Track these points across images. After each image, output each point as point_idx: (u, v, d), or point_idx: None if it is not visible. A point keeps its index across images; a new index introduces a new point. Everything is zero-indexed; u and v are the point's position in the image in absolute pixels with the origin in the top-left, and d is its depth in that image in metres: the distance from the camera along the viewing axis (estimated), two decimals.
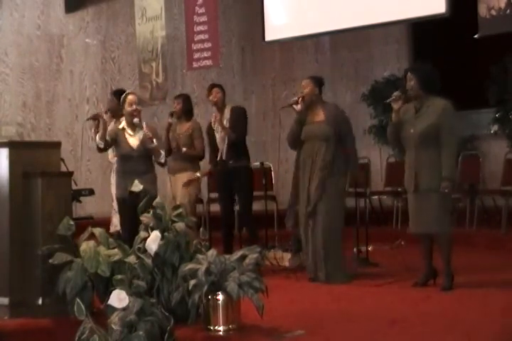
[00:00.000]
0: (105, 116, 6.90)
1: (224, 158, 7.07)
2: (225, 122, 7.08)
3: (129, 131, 6.24)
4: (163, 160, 6.29)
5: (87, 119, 7.19)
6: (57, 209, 5.09)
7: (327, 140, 6.14)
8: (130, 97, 6.27)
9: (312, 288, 5.96)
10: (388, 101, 5.78)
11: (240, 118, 7.13)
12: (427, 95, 5.65)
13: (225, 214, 7.20)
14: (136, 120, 6.22)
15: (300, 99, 6.22)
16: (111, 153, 6.88)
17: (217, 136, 7.13)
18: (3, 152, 5.08)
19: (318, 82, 6.36)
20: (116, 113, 6.93)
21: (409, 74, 5.72)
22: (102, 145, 6.27)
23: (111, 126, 6.99)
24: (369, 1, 9.39)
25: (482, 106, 9.51)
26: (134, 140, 6.21)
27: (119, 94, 7.02)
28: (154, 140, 6.12)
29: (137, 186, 5.74)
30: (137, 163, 6.12)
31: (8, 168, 5.05)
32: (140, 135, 6.18)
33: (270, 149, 11.53)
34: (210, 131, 7.21)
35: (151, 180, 6.11)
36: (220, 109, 7.17)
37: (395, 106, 5.72)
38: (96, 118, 7.02)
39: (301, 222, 6.26)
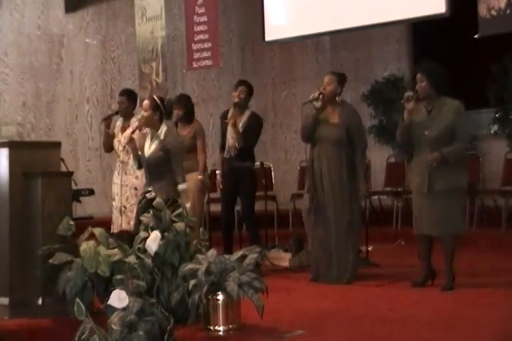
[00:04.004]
0: (117, 125, 6.92)
1: (231, 156, 7.03)
2: (240, 125, 6.98)
3: (148, 138, 5.97)
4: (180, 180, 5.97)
5: (102, 121, 7.16)
6: (57, 209, 5.09)
7: (339, 144, 6.11)
8: (144, 103, 5.99)
9: (312, 288, 5.96)
10: (402, 101, 5.72)
11: (254, 128, 7.02)
12: (438, 95, 5.64)
13: (226, 214, 7.18)
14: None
15: (321, 95, 6.12)
16: (122, 153, 6.86)
17: (229, 132, 6.98)
18: (3, 152, 5.07)
19: (342, 80, 6.29)
20: (126, 113, 6.93)
21: (419, 75, 5.68)
22: (137, 166, 6.12)
23: (118, 123, 7.01)
24: (369, 1, 9.38)
25: (482, 106, 9.50)
26: (147, 148, 5.95)
27: (129, 94, 7.04)
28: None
29: (150, 194, 5.78)
30: (148, 171, 5.93)
31: (8, 168, 5.05)
32: (154, 144, 5.90)
33: (270, 149, 11.54)
34: (224, 124, 7.08)
35: (163, 189, 5.77)
36: (240, 110, 7.03)
37: (408, 106, 5.68)
38: (108, 119, 7.04)
39: (321, 223, 6.19)
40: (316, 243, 6.22)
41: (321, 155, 6.18)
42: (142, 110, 5.94)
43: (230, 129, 6.95)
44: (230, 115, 6.98)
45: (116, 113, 7.06)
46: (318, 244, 6.20)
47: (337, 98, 6.21)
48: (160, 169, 5.86)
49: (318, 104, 6.12)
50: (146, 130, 6.01)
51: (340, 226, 6.07)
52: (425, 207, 5.67)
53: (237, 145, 6.94)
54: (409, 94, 5.68)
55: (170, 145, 5.83)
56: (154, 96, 6.08)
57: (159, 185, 5.80)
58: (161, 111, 5.88)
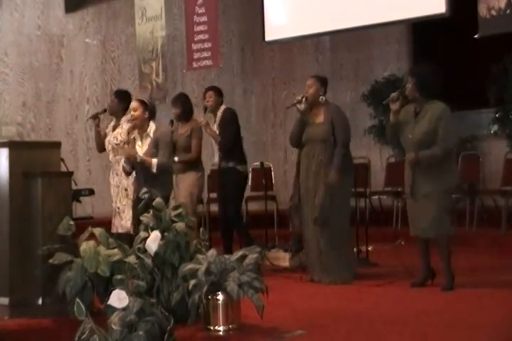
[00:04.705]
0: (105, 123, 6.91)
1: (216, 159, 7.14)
2: (215, 125, 7.11)
3: (139, 141, 6.08)
4: (154, 170, 5.96)
5: (88, 119, 7.16)
6: (57, 209, 5.09)
7: (325, 142, 6.13)
8: (132, 104, 6.15)
9: (312, 288, 5.96)
10: (385, 102, 5.78)
11: (227, 122, 7.13)
12: (426, 98, 5.64)
13: (224, 214, 7.20)
14: (128, 126, 6.15)
15: (304, 98, 6.18)
16: (111, 154, 6.86)
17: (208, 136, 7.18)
18: (3, 152, 5.07)
19: (323, 82, 6.32)
20: (116, 113, 6.92)
21: (409, 77, 5.73)
22: (128, 169, 6.13)
23: (111, 124, 6.99)
24: (369, 1, 9.39)
25: (482, 106, 9.51)
26: (139, 149, 6.04)
27: (120, 94, 7.02)
28: (137, 156, 5.94)
29: (145, 193, 5.78)
30: (143, 172, 5.99)
31: (8, 168, 5.05)
32: (146, 143, 6.02)
33: (270, 149, 11.55)
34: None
35: (159, 188, 5.79)
36: (214, 112, 7.21)
37: (393, 107, 5.71)
38: (95, 117, 7.01)
39: (305, 223, 6.24)
40: (309, 242, 6.24)
41: (309, 156, 6.21)
42: (132, 111, 6.04)
43: (206, 133, 7.11)
44: (200, 120, 7.10)
45: (105, 111, 7.05)
46: (306, 244, 6.24)
47: (320, 99, 6.24)
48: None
49: (301, 106, 6.17)
50: (134, 134, 6.06)
51: (325, 225, 6.08)
52: (413, 208, 5.72)
53: (215, 142, 7.09)
54: (394, 94, 5.71)
55: (158, 135, 5.96)
56: (140, 98, 6.29)
57: (153, 184, 5.80)
58: (150, 110, 6.04)
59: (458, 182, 5.80)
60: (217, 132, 7.12)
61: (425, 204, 5.60)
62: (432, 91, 5.64)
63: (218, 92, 7.30)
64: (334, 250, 6.08)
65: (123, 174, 6.62)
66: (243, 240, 6.93)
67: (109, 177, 6.93)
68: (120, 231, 6.57)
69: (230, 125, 7.15)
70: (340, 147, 6.13)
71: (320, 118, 6.24)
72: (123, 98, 6.92)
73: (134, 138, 6.10)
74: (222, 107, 7.25)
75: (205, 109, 7.23)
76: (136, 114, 6.02)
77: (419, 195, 5.62)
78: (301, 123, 6.25)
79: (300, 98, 6.19)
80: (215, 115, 7.23)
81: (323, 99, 6.25)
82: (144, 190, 5.83)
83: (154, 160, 5.94)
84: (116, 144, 6.72)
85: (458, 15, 8.52)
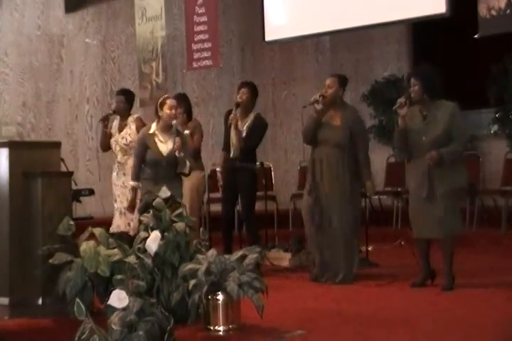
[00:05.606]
0: (113, 122, 6.94)
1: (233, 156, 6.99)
2: (245, 127, 6.91)
3: (160, 137, 6.01)
4: (187, 171, 6.01)
5: (99, 121, 7.14)
6: (57, 209, 5.09)
7: (339, 146, 6.10)
8: (170, 101, 6.04)
9: (312, 288, 5.96)
10: (394, 108, 5.72)
11: (258, 131, 6.95)
12: (432, 99, 5.63)
13: (226, 214, 7.16)
14: (174, 122, 5.99)
15: (321, 97, 6.10)
16: (119, 154, 6.86)
17: (232, 133, 6.91)
18: (3, 152, 5.08)
19: (343, 82, 6.28)
20: (123, 113, 6.94)
21: (412, 79, 5.69)
22: (134, 176, 6.18)
23: (115, 123, 7.00)
24: (369, 1, 9.39)
25: (482, 106, 9.51)
26: (164, 146, 5.99)
27: (126, 93, 7.04)
28: (181, 152, 5.94)
29: (165, 192, 5.77)
30: (166, 170, 5.96)
31: (8, 168, 5.05)
32: (171, 142, 5.96)
33: (270, 149, 11.54)
34: (227, 124, 6.96)
35: (178, 186, 5.97)
36: (244, 112, 6.92)
37: (401, 112, 5.67)
38: (106, 119, 7.03)
39: (322, 224, 6.19)
40: (318, 244, 6.20)
41: (321, 158, 6.16)
42: (173, 109, 5.99)
43: (232, 130, 6.89)
44: (231, 116, 6.89)
45: (114, 112, 7.05)
46: (320, 245, 6.18)
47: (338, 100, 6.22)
48: (173, 167, 5.98)
49: (319, 106, 6.09)
50: (155, 130, 6.03)
51: (342, 228, 6.07)
52: (424, 210, 5.66)
53: (238, 145, 6.86)
54: (401, 100, 5.67)
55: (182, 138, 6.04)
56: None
57: (172, 184, 5.80)
58: None
59: (467, 181, 5.78)
60: (245, 133, 6.91)
61: (437, 205, 5.56)
62: (438, 92, 5.64)
63: (254, 92, 7.01)
64: (349, 251, 6.09)
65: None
66: (251, 238, 6.89)
67: (113, 177, 6.93)
68: (131, 232, 6.56)
69: (260, 134, 7.00)
70: (365, 155, 6.20)
71: (337, 120, 6.17)
72: (129, 98, 7.01)
73: (152, 134, 6.04)
74: (254, 113, 7.00)
75: (237, 105, 6.87)
76: (178, 112, 6.20)
77: (437, 196, 5.58)
78: (317, 123, 6.15)
79: (318, 97, 6.10)
80: (245, 115, 6.93)
81: (341, 100, 6.24)
82: (164, 188, 5.83)
83: (188, 163, 6.00)
84: (125, 145, 6.75)
85: (458, 15, 8.52)
